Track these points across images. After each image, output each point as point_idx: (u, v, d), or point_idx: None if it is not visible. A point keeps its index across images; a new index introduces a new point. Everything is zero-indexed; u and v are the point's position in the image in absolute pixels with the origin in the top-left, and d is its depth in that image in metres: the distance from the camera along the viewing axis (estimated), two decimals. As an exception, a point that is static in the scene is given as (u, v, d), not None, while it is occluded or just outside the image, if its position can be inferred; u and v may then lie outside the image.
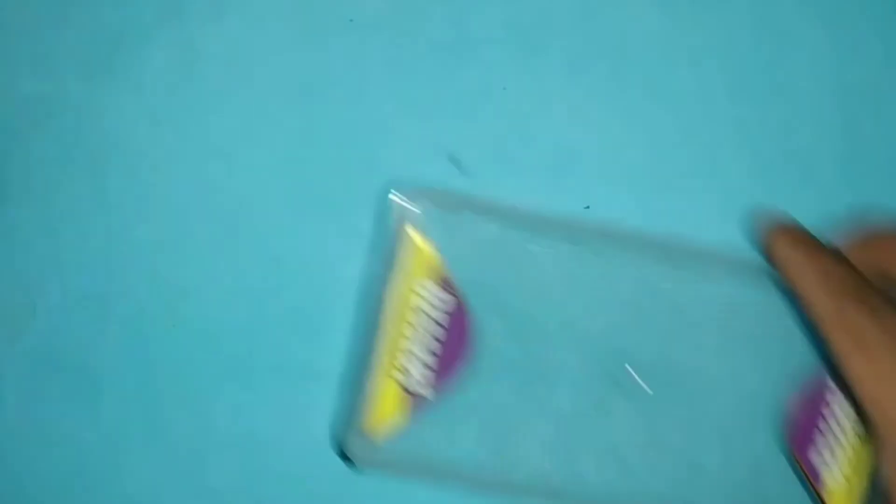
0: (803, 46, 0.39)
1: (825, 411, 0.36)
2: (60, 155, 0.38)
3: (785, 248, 0.33)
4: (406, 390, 0.34)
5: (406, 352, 0.34)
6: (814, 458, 0.35)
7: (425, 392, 0.34)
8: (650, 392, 0.35)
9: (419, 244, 0.33)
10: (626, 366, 0.35)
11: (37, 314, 0.38)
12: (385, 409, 0.34)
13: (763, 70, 0.39)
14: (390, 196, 0.34)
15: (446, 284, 0.34)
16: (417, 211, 0.34)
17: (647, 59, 0.39)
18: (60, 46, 0.38)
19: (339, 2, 0.38)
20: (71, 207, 0.38)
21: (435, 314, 0.34)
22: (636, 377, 0.35)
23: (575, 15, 0.39)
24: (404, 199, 0.34)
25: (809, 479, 0.35)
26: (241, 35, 0.38)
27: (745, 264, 0.35)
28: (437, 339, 0.34)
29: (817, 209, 0.39)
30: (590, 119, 0.39)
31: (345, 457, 0.35)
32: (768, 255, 0.33)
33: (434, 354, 0.34)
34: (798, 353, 0.36)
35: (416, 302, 0.34)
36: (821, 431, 0.35)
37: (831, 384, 0.35)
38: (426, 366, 0.34)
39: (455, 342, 0.34)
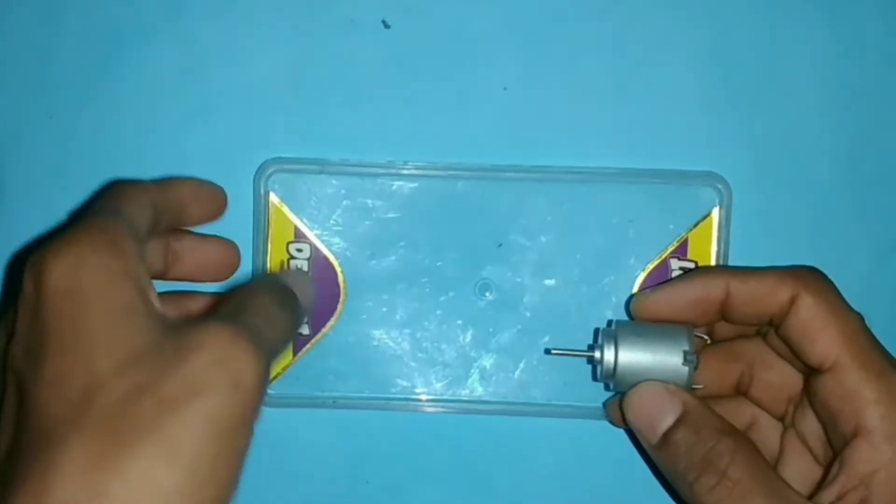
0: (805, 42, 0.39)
1: None
2: (60, 155, 0.38)
3: None
4: None
5: None
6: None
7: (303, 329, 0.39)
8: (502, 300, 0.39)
9: (280, 207, 0.39)
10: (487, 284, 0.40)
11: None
12: None
13: (766, 75, 0.39)
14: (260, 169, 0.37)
15: (306, 239, 0.39)
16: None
17: (647, 59, 0.39)
18: (60, 46, 0.38)
19: (339, 2, 0.38)
20: (71, 206, 0.38)
21: (304, 265, 0.39)
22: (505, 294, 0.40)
23: (575, 15, 0.38)
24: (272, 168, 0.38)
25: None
26: (242, 35, 0.38)
27: None
28: None
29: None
30: (590, 119, 0.39)
31: None
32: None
33: None
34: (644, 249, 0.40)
35: (286, 257, 0.39)
36: None
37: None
38: None
39: (324, 286, 0.39)
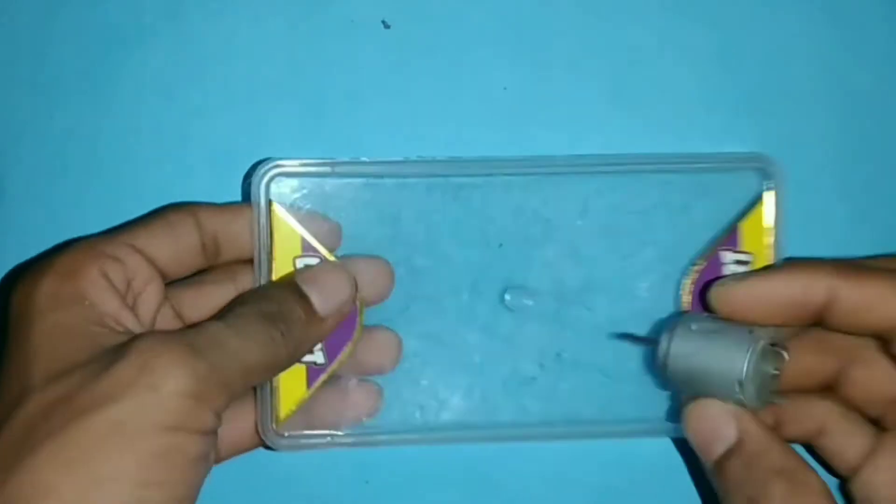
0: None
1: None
2: (60, 155, 0.38)
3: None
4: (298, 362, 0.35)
5: None
6: None
7: (317, 358, 0.35)
8: (537, 307, 0.37)
9: (285, 220, 0.35)
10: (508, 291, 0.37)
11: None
12: (288, 389, 0.35)
13: (765, 75, 0.39)
14: (257, 174, 0.35)
15: (315, 253, 0.35)
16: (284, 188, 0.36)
17: (648, 59, 0.39)
18: (60, 46, 0.38)
19: (339, 2, 0.38)
20: (71, 207, 0.38)
21: None
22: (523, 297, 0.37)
23: (575, 15, 0.38)
24: (272, 174, 0.35)
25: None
26: (242, 35, 0.38)
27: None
28: None
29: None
30: (590, 119, 0.39)
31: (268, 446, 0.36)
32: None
33: None
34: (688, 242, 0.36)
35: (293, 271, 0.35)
36: None
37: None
38: None
39: None
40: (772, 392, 0.32)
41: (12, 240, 0.38)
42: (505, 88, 0.39)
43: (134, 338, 0.29)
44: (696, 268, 0.36)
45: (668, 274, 0.36)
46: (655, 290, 0.37)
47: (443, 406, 0.37)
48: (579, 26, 0.39)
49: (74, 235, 0.38)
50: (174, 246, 0.34)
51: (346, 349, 0.35)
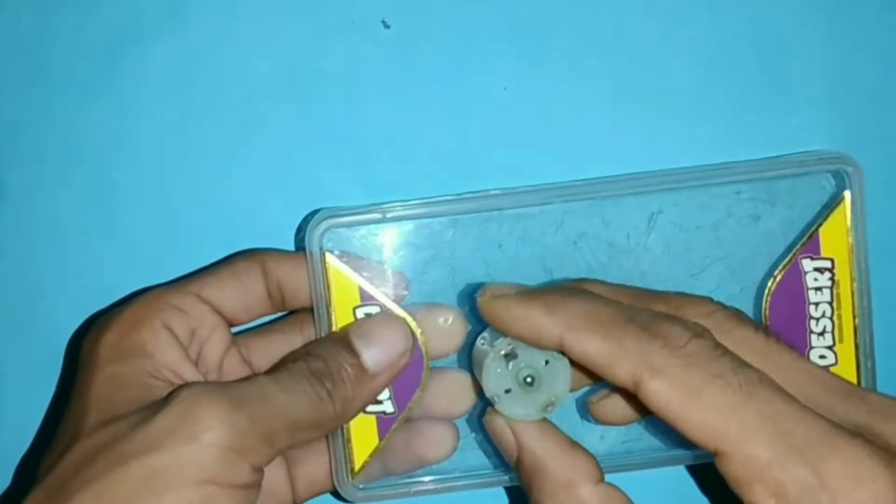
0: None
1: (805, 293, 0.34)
2: (60, 154, 0.38)
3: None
4: (366, 412, 0.34)
5: None
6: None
7: (386, 407, 0.34)
8: None
9: (341, 271, 0.34)
10: None
11: (37, 314, 0.39)
12: (360, 441, 0.35)
13: (763, 74, 0.39)
14: (311, 230, 0.34)
15: (374, 302, 0.34)
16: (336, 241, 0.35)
17: (648, 59, 0.39)
18: (60, 46, 0.38)
19: (339, 2, 0.38)
20: (71, 207, 0.38)
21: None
22: None
23: (575, 15, 0.38)
24: (327, 228, 0.34)
25: None
26: (241, 35, 0.38)
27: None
28: None
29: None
30: (590, 118, 0.39)
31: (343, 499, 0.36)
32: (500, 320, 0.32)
33: None
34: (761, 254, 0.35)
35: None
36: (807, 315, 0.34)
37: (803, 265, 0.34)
38: None
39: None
40: (549, 394, 0.32)
41: (12, 240, 0.38)
42: (505, 88, 0.39)
43: (179, 387, 0.30)
44: (775, 279, 0.34)
45: (744, 288, 0.35)
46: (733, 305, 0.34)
47: None
48: (579, 26, 0.39)
49: (75, 235, 0.38)
50: (241, 295, 0.34)
51: (416, 397, 0.34)
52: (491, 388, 0.32)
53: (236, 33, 0.38)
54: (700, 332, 0.29)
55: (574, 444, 0.31)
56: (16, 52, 0.38)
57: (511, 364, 0.32)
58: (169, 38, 0.38)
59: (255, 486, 0.29)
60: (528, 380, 0.32)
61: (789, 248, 0.34)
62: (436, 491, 0.36)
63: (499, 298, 0.32)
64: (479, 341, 0.33)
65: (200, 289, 0.33)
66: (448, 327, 0.35)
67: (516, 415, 0.32)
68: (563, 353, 0.31)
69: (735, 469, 0.27)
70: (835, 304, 0.34)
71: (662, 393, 0.28)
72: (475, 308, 0.33)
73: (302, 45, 0.38)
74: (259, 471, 0.29)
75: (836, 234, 0.34)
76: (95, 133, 0.38)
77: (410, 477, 0.36)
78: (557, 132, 0.39)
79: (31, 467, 0.36)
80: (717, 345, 0.29)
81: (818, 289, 0.34)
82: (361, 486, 0.35)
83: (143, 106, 0.38)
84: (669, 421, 0.28)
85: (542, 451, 0.31)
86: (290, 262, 0.35)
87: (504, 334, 0.32)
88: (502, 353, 0.32)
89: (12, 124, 0.38)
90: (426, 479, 0.36)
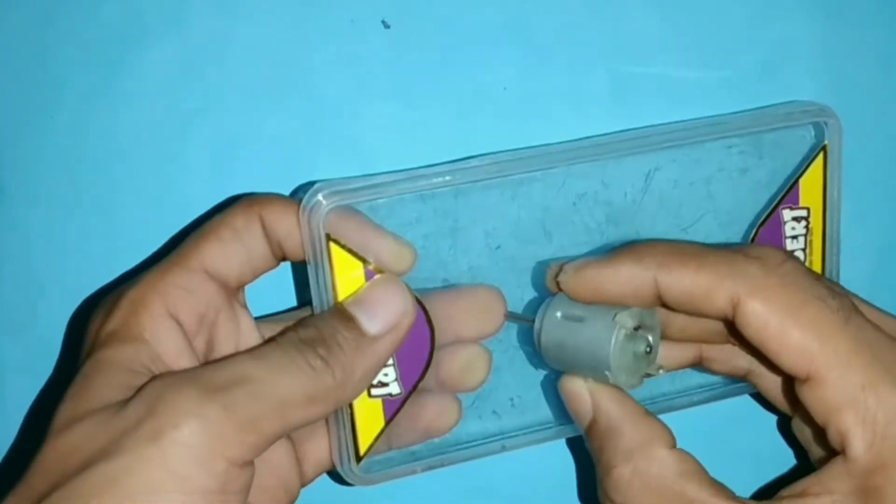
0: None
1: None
2: (61, 155, 0.38)
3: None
4: (372, 395, 0.33)
5: None
6: None
7: (392, 389, 0.33)
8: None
9: (342, 252, 0.32)
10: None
11: (37, 314, 0.39)
12: (366, 424, 0.33)
13: (761, 71, 0.39)
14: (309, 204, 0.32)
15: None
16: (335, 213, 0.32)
17: (647, 59, 0.39)
18: (61, 46, 0.38)
19: (339, 2, 0.38)
20: (71, 207, 0.38)
21: None
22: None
23: (575, 15, 0.38)
24: (325, 203, 0.32)
25: None
26: (241, 35, 0.38)
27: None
28: None
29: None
30: (590, 118, 0.39)
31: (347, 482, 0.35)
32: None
33: None
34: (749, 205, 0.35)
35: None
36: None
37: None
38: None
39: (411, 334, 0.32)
40: (649, 366, 0.33)
41: (12, 240, 0.38)
42: (505, 88, 0.39)
43: (150, 379, 0.27)
44: (757, 230, 0.35)
45: (728, 239, 0.36)
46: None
47: (521, 408, 0.36)
48: (580, 26, 0.39)
49: (75, 235, 0.38)
50: (246, 258, 0.32)
51: (422, 376, 0.33)
52: (617, 360, 0.32)
53: (236, 33, 0.38)
54: (792, 255, 0.30)
55: (649, 412, 0.32)
56: (16, 52, 0.38)
57: (636, 336, 0.32)
58: (169, 38, 0.38)
59: (239, 486, 0.26)
60: (648, 350, 0.32)
61: (772, 199, 0.35)
62: (436, 466, 0.35)
63: (584, 268, 0.32)
64: (550, 314, 0.33)
65: (204, 259, 0.31)
66: (487, 307, 0.34)
67: (622, 383, 0.32)
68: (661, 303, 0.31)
69: (826, 392, 0.28)
70: (807, 251, 0.35)
71: (761, 313, 0.28)
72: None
73: (302, 45, 0.38)
74: (244, 466, 0.26)
75: (813, 185, 0.35)
76: (95, 133, 0.38)
77: (412, 453, 0.35)
78: (557, 132, 0.39)
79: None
80: (810, 269, 0.29)
81: (794, 237, 0.35)
82: (365, 467, 0.34)
83: (143, 106, 0.38)
84: (763, 343, 0.29)
85: (621, 415, 0.31)
86: (288, 217, 0.32)
87: (595, 301, 0.32)
88: (630, 325, 0.32)
89: (12, 124, 0.38)
90: (429, 457, 0.35)
